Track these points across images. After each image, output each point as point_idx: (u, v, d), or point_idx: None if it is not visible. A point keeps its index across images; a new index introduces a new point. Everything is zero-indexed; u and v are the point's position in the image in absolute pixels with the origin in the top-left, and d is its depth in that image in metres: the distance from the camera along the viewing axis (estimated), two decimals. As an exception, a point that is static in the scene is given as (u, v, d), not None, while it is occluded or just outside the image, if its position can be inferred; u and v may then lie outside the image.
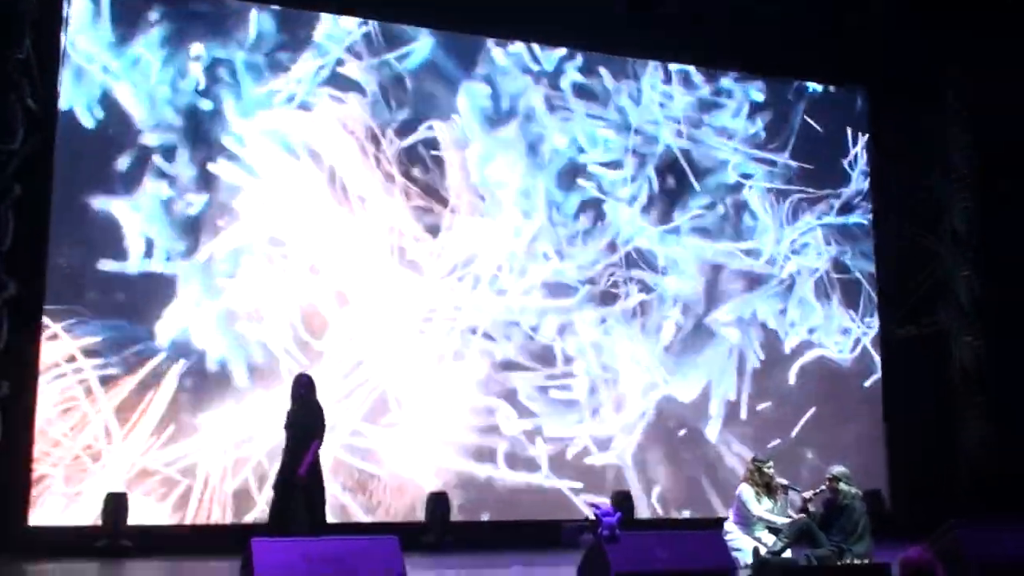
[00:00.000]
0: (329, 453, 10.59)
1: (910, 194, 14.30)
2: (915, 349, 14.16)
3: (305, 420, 8.97)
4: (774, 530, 9.55)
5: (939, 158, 14.18)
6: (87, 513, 10.43)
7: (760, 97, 14.17)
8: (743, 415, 13.36)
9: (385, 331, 11.88)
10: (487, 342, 12.31)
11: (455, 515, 11.61)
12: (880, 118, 14.69)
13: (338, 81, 12.12)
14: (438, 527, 11.38)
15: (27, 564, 9.46)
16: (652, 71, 13.63)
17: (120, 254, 11.01)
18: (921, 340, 14.16)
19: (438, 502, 11.52)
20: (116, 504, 10.33)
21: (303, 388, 9.19)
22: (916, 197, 14.26)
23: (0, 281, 10.18)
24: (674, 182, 13.53)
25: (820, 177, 14.34)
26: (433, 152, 12.41)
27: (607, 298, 12.97)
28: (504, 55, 12.92)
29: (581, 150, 13.12)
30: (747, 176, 13.93)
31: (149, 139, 11.26)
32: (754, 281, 13.76)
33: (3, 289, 10.20)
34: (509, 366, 12.36)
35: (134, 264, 11.05)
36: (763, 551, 9.12)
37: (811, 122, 14.37)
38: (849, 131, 14.63)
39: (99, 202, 10.97)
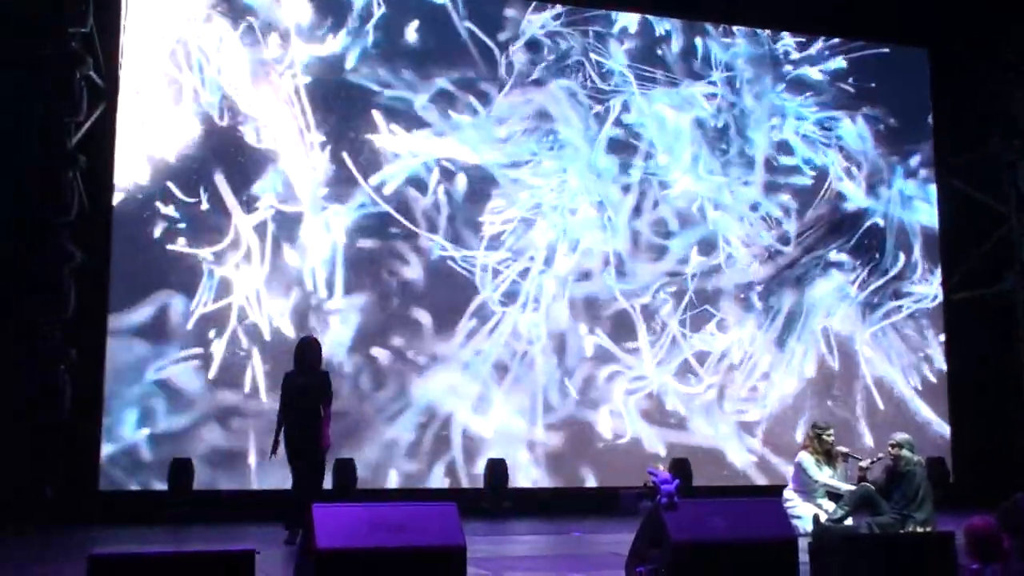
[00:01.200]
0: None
1: (973, 156, 14.02)
2: (979, 313, 13.92)
3: (321, 386, 8.75)
4: (834, 498, 9.50)
5: (1002, 119, 13.86)
6: (155, 479, 10.69)
7: (824, 59, 13.98)
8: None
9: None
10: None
11: (513, 481, 11.70)
12: (943, 79, 14.39)
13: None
14: (496, 493, 11.46)
15: (97, 529, 9.71)
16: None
17: (182, 224, 11.26)
18: (985, 304, 13.91)
19: (496, 468, 11.59)
20: (181, 470, 10.56)
21: (316, 353, 8.94)
22: (979, 159, 13.97)
23: (67, 250, 10.38)
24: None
25: (886, 139, 14.11)
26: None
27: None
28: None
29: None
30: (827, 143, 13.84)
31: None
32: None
33: (71, 258, 10.41)
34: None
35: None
36: (823, 518, 9.08)
37: (874, 85, 14.14)
38: (912, 93, 14.36)
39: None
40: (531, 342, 12.21)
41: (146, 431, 10.76)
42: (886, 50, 14.28)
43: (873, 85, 14.12)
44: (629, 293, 12.68)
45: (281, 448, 8.69)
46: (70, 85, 10.50)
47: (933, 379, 13.81)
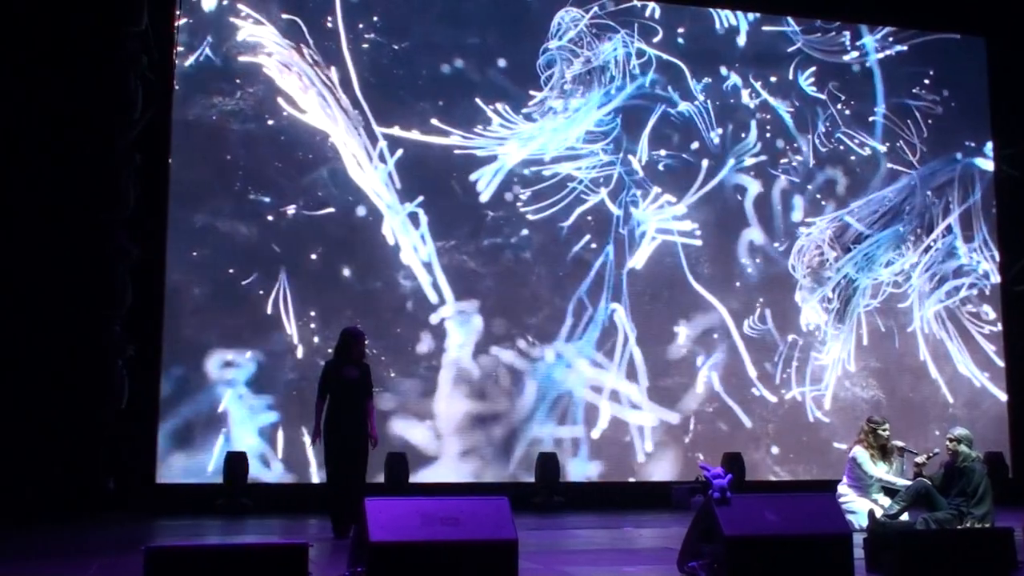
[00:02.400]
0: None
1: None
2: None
3: (367, 379, 8.65)
4: (890, 493, 9.38)
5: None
6: (209, 472, 10.84)
7: (879, 47, 13.81)
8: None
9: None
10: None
11: (564, 476, 11.70)
12: (1000, 68, 14.16)
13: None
14: (547, 487, 11.46)
15: (154, 520, 9.87)
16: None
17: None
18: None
19: (547, 462, 11.59)
20: (236, 463, 10.70)
21: (362, 345, 8.71)
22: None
23: (124, 247, 10.54)
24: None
25: (943, 128, 13.91)
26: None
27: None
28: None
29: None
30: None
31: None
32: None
33: (128, 255, 10.56)
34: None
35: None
36: (879, 514, 8.97)
37: (935, 72, 13.97)
38: (969, 81, 14.13)
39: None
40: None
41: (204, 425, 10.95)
42: (944, 37, 14.07)
43: (931, 72, 13.94)
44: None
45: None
46: (124, 83, 10.63)
47: (991, 372, 13.58)
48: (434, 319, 11.81)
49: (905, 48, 13.91)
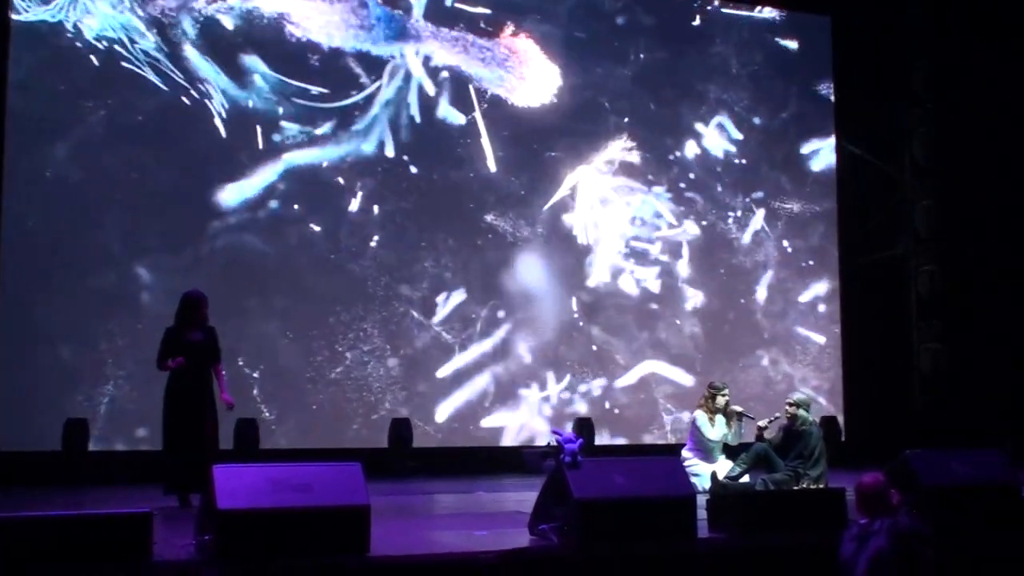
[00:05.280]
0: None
1: (873, 123, 14.33)
2: (872, 277, 14.30)
3: (215, 343, 8.34)
4: (732, 456, 9.73)
5: (901, 87, 14.21)
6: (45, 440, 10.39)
7: (724, 24, 14.09)
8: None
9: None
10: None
11: (416, 441, 11.70)
12: (844, 47, 14.59)
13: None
14: (400, 453, 11.45)
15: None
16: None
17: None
18: (879, 268, 14.31)
19: (400, 428, 11.58)
20: (74, 430, 10.31)
21: (206, 308, 8.36)
22: (878, 126, 14.30)
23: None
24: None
25: (783, 105, 14.27)
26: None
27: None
28: None
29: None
30: (714, 105, 13.91)
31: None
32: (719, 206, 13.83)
33: None
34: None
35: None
36: (721, 476, 9.30)
37: (778, 49, 14.29)
38: (814, 60, 14.55)
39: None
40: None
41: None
42: (789, 15, 14.43)
43: (776, 50, 14.28)
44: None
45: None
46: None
47: (827, 341, 14.16)
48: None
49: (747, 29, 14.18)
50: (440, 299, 12.25)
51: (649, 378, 13.10)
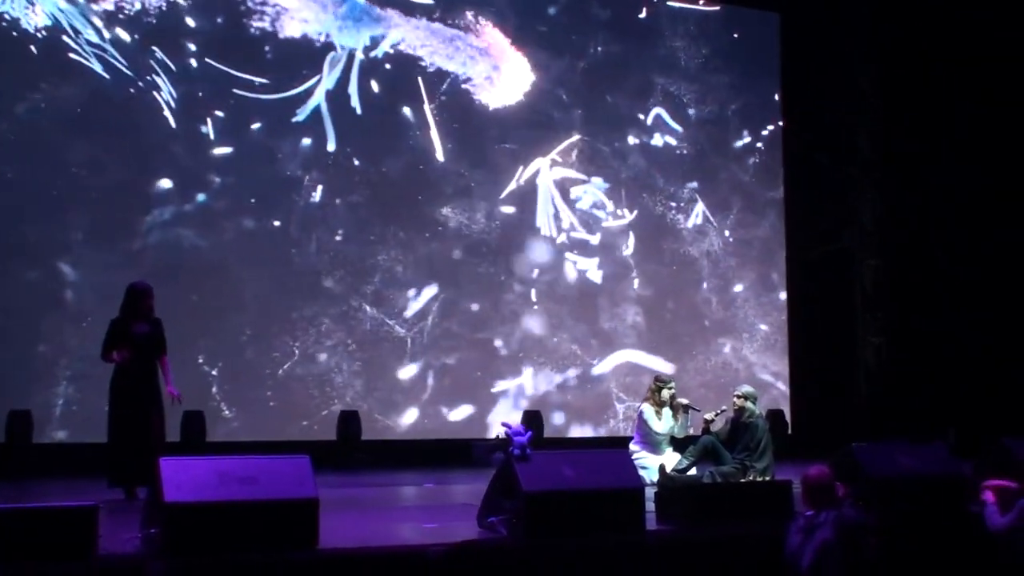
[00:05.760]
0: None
1: (819, 116, 14.49)
2: (819, 271, 14.47)
3: (161, 335, 8.23)
4: (679, 449, 9.79)
5: (848, 79, 14.37)
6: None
7: (673, 17, 14.16)
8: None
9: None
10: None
11: (366, 434, 11.66)
12: (791, 41, 14.74)
13: None
14: (349, 446, 11.40)
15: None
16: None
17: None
18: (825, 262, 14.48)
19: (349, 421, 11.53)
20: (19, 421, 10.14)
21: (151, 299, 8.28)
22: (825, 118, 14.46)
23: None
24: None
25: (731, 98, 14.37)
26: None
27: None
28: None
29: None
30: (662, 97, 13.97)
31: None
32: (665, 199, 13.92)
33: None
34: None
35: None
36: (669, 468, 9.35)
37: (726, 43, 14.38)
38: (761, 54, 14.67)
39: None
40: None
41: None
42: (735, 10, 14.52)
43: (724, 44, 14.36)
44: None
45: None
46: None
47: (774, 333, 14.31)
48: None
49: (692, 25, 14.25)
50: (393, 293, 12.20)
51: (606, 368, 13.20)
